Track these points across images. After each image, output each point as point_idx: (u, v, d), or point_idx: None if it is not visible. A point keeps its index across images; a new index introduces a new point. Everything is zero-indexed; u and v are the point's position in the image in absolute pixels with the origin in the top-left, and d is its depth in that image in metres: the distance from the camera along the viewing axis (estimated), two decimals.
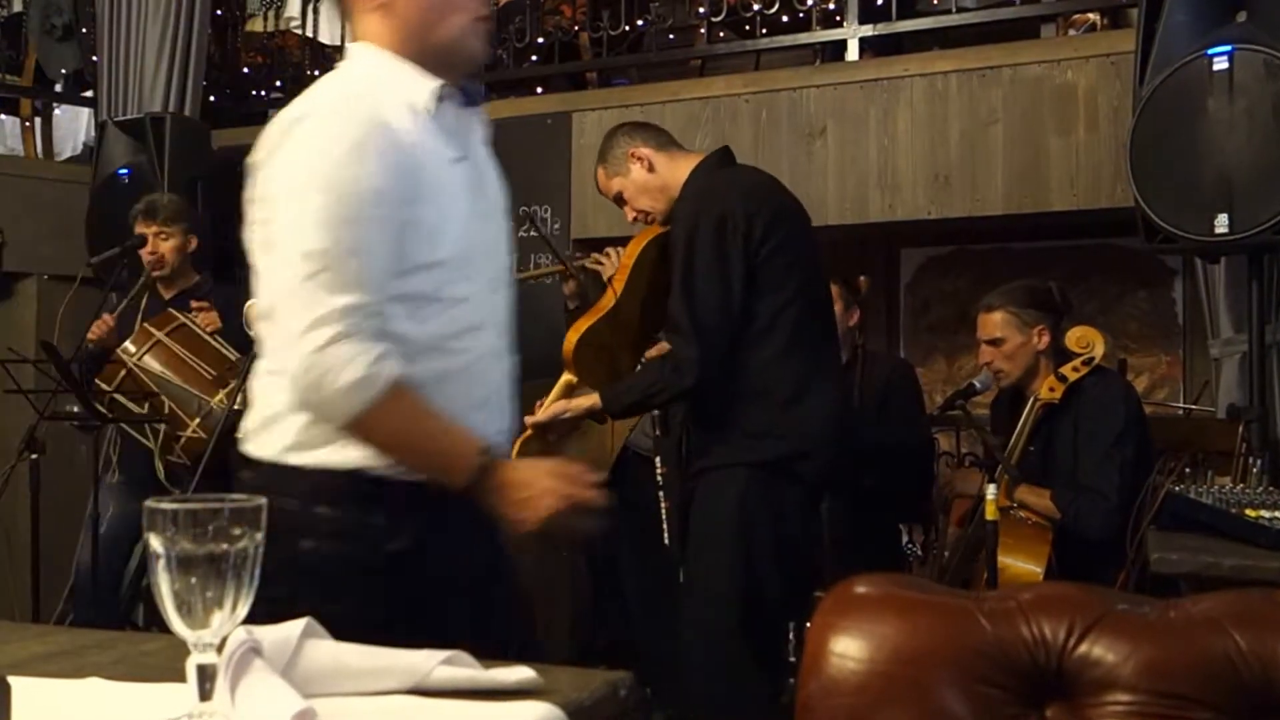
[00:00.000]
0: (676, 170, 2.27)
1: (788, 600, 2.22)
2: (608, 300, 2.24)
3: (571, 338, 2.21)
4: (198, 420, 2.73)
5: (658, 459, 2.63)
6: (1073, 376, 2.44)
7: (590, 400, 2.19)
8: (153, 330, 2.85)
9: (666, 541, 2.58)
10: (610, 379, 2.24)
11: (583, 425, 2.85)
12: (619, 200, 2.33)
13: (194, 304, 2.98)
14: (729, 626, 2.14)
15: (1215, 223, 2.20)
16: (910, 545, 3.08)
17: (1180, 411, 3.33)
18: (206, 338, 2.89)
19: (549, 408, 2.20)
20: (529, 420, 2.17)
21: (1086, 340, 2.46)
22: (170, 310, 2.95)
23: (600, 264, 2.51)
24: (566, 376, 2.22)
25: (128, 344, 2.83)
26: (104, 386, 2.80)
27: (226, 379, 2.72)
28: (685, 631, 2.27)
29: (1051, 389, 2.44)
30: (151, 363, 2.80)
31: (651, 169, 2.28)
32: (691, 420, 2.33)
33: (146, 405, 2.76)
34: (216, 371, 2.81)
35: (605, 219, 3.41)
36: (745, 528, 2.14)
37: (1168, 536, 1.91)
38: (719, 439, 2.20)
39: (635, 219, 2.33)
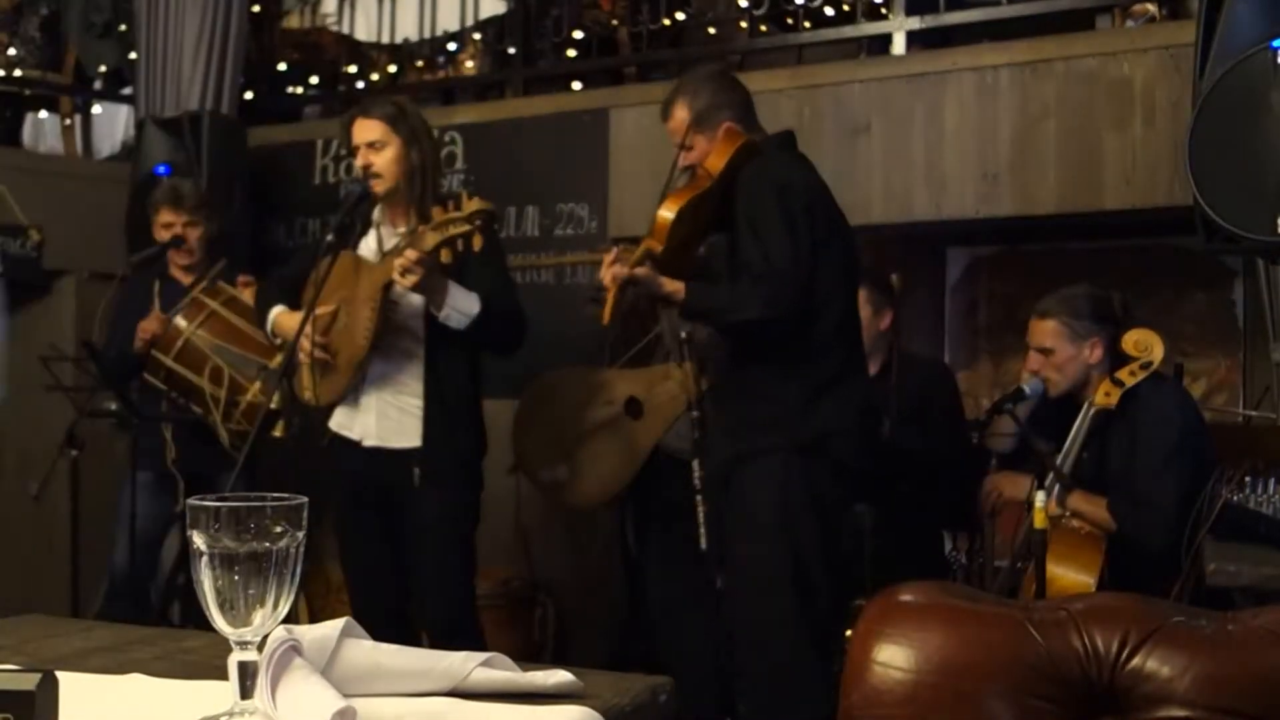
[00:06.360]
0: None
1: (838, 593, 2.24)
2: (702, 183, 2.28)
3: (674, 204, 2.22)
4: (257, 384, 2.75)
5: (695, 462, 2.57)
6: (1129, 381, 2.36)
7: (674, 286, 2.21)
8: (206, 300, 2.87)
9: (704, 546, 2.52)
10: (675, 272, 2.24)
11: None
12: (682, 143, 2.34)
13: (240, 280, 3.01)
14: (785, 618, 2.16)
15: (1278, 222, 2.12)
16: (954, 553, 3.01)
17: (1240, 418, 3.23)
18: None
19: (634, 265, 2.18)
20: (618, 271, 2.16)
21: (1145, 344, 2.38)
22: (220, 284, 2.98)
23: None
24: (651, 244, 2.21)
25: (178, 319, 2.85)
26: (161, 358, 2.81)
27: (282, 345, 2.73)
28: (737, 631, 2.27)
29: (1107, 394, 2.37)
30: (205, 334, 2.82)
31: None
32: (729, 396, 2.35)
33: (206, 375, 2.78)
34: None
35: (643, 216, 3.38)
36: (789, 516, 2.18)
37: (1226, 547, 1.86)
38: (759, 415, 2.24)
39: (681, 163, 2.35)
